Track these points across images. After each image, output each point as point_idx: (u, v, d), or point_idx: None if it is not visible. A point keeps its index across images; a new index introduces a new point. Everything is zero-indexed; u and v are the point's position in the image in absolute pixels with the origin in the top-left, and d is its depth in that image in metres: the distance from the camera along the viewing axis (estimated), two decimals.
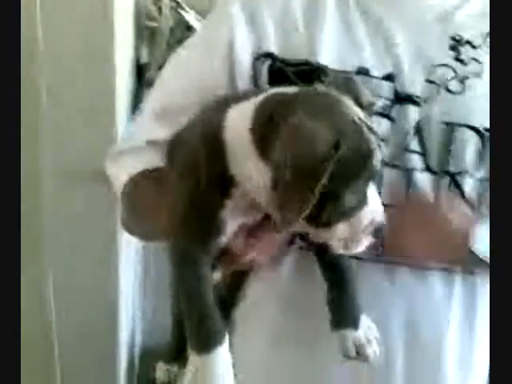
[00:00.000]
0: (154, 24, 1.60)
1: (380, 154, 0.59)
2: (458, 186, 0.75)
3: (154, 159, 0.78)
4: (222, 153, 0.59)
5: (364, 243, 0.61)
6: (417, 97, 0.75)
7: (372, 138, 0.57)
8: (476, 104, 0.75)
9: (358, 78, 0.71)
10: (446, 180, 0.74)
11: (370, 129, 0.58)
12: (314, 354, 0.77)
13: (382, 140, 0.68)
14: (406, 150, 0.74)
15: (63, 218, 1.49)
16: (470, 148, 0.75)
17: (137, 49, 1.63)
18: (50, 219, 1.49)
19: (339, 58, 0.75)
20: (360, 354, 0.68)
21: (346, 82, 0.66)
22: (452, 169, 0.74)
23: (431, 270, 0.76)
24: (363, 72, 0.74)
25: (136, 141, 0.82)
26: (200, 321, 0.64)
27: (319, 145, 0.54)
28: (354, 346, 0.68)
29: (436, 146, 0.74)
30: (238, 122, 0.59)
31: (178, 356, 0.81)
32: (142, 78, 1.65)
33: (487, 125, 0.74)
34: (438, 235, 0.74)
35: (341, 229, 0.60)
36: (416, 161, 0.74)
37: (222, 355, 0.63)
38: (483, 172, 0.75)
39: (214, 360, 0.63)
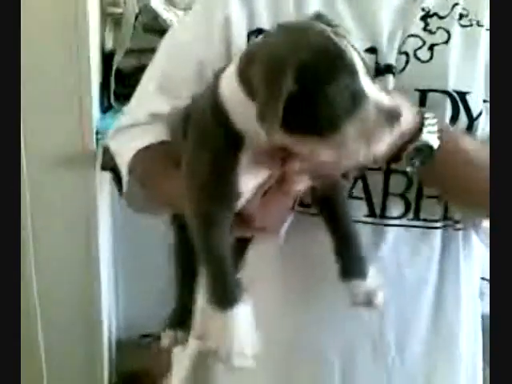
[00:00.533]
0: (118, 10, 1.59)
1: (355, 51, 0.60)
2: None
3: (159, 132, 0.82)
4: (224, 114, 0.63)
5: (385, 135, 0.61)
6: (393, 66, 0.80)
7: (343, 41, 0.59)
8: (444, 69, 0.81)
9: None
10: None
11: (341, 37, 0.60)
12: (322, 303, 0.82)
13: None
14: None
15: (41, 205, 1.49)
16: (442, 111, 0.79)
17: (101, 36, 1.62)
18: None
19: None
20: (368, 301, 0.73)
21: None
22: None
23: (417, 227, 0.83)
24: None
25: (139, 114, 0.85)
26: (224, 278, 0.67)
27: (279, 51, 0.57)
28: (364, 294, 0.73)
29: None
30: (228, 80, 0.63)
31: (182, 322, 0.84)
32: (108, 64, 1.64)
33: (458, 88, 0.79)
34: None
35: (350, 130, 0.59)
36: None
37: (246, 310, 0.67)
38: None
39: (238, 315, 0.66)
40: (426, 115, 0.74)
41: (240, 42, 0.81)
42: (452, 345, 0.88)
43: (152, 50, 1.54)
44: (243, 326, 0.67)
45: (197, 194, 0.67)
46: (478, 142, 0.79)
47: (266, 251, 0.83)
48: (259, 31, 0.81)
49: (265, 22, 0.82)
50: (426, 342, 0.87)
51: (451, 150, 0.74)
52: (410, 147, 0.72)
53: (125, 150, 0.86)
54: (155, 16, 1.58)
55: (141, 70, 1.52)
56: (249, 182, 0.67)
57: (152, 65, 0.90)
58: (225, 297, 0.67)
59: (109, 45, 1.63)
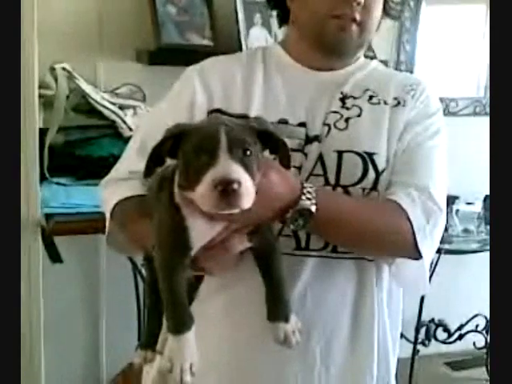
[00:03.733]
0: (50, 92, 1.71)
1: (224, 138, 0.76)
2: (348, 194, 0.96)
3: (136, 187, 1.00)
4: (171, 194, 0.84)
5: (215, 198, 0.74)
6: (319, 136, 0.97)
7: (216, 132, 0.77)
8: (356, 136, 0.97)
9: (283, 126, 0.98)
10: (340, 191, 0.96)
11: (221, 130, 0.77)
12: (257, 328, 0.95)
13: (299, 168, 0.96)
14: (312, 174, 0.96)
15: None
16: (355, 167, 0.96)
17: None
18: None
19: (266, 112, 0.98)
20: (288, 342, 0.88)
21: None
22: (344, 182, 0.96)
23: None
24: (283, 122, 0.99)
25: (122, 172, 1.05)
26: (177, 310, 0.84)
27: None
28: (284, 335, 0.87)
29: (332, 168, 0.96)
30: None
31: (152, 344, 1.00)
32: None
33: (366, 149, 0.96)
34: None
35: (198, 188, 0.76)
36: (319, 180, 0.95)
37: (192, 336, 0.84)
38: (366, 183, 0.96)
39: (186, 339, 0.83)
40: (305, 184, 0.88)
41: (200, 118, 1.00)
42: (368, 356, 1.03)
43: (80, 128, 1.75)
44: (191, 348, 0.84)
45: (158, 245, 0.85)
46: (351, 204, 0.94)
47: (214, 287, 0.99)
48: (215, 110, 1.01)
49: (220, 104, 1.02)
50: (347, 354, 1.01)
51: (324, 213, 0.87)
52: (291, 211, 0.85)
53: (109, 200, 1.03)
54: (83, 96, 1.76)
55: (70, 145, 1.71)
56: (202, 236, 0.83)
57: (135, 132, 1.15)
58: (179, 324, 0.84)
59: (40, 124, 1.72)
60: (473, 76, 2.66)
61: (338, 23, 0.99)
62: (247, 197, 0.75)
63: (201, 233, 0.82)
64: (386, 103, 1.02)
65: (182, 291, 0.83)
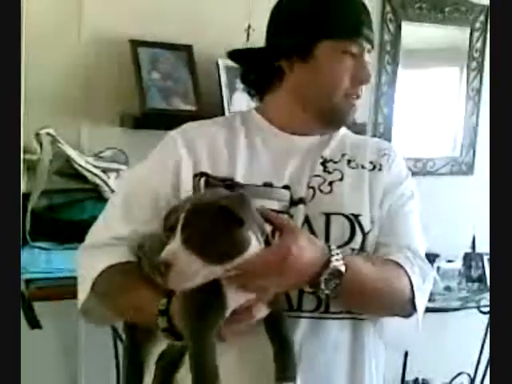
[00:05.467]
0: (33, 157, 1.72)
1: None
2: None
3: (123, 253, 0.98)
4: None
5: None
6: (304, 198, 1.00)
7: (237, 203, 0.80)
8: (341, 199, 1.01)
9: (268, 189, 1.00)
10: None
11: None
12: None
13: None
14: None
15: None
16: (343, 229, 0.99)
17: None
18: None
19: (251, 175, 1.01)
20: None
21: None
22: (333, 243, 0.96)
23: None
24: (268, 185, 1.01)
25: (104, 237, 1.02)
26: (211, 375, 0.81)
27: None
28: None
29: (321, 230, 0.99)
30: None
31: None
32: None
33: (352, 211, 1.00)
34: None
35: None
36: None
37: None
38: (355, 244, 1.00)
39: None
40: (332, 247, 0.90)
41: (186, 183, 1.02)
42: None
43: (63, 191, 1.76)
44: None
45: (194, 309, 0.84)
46: (369, 265, 0.96)
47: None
48: (201, 174, 1.02)
49: (206, 167, 1.03)
50: None
51: (351, 274, 0.90)
52: (324, 273, 0.87)
53: (89, 270, 0.99)
54: (67, 160, 1.78)
55: (52, 209, 1.72)
56: (236, 300, 0.85)
57: (116, 195, 1.10)
58: None
59: (23, 188, 1.73)
60: (449, 136, 2.75)
61: (351, 102, 1.06)
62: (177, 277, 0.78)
63: (235, 295, 0.84)
64: (363, 167, 1.06)
65: (215, 358, 0.81)
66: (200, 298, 0.82)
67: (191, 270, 0.77)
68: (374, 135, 2.52)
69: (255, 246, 0.82)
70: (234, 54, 1.15)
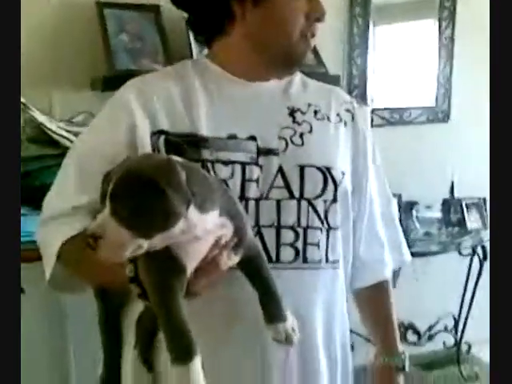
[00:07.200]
0: None
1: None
2: (313, 206, 0.99)
3: (82, 223, 0.91)
4: None
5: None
6: (275, 149, 0.98)
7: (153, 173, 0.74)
8: (314, 151, 1.00)
9: (233, 141, 0.96)
10: (305, 203, 0.98)
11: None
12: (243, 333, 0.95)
13: (256, 181, 0.95)
14: (273, 186, 0.98)
15: None
16: (316, 181, 0.99)
17: None
18: None
19: (213, 128, 0.97)
20: (289, 339, 0.89)
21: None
22: (307, 195, 0.98)
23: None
24: (232, 137, 0.98)
25: (62, 208, 0.96)
26: (184, 336, 0.78)
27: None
28: (285, 334, 0.88)
29: (295, 181, 0.98)
30: None
31: (112, 382, 0.99)
32: None
33: (324, 164, 1.00)
34: None
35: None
36: (282, 192, 0.98)
37: (199, 363, 0.78)
38: (327, 196, 1.00)
39: (195, 366, 0.77)
40: None
41: (145, 143, 0.95)
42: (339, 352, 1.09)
43: (36, 158, 1.76)
44: (199, 376, 0.77)
45: (153, 273, 0.81)
46: None
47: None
48: (160, 132, 0.96)
49: (164, 125, 0.97)
50: (320, 356, 1.04)
51: None
52: None
53: (53, 240, 0.95)
54: (39, 127, 1.77)
55: (27, 175, 1.72)
56: (192, 257, 0.82)
57: (68, 163, 1.02)
58: (187, 351, 0.77)
59: None
60: (424, 86, 2.76)
61: (308, 41, 1.03)
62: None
63: (190, 254, 0.81)
64: (329, 119, 1.06)
65: (184, 314, 0.79)
66: (156, 264, 0.80)
67: (120, 243, 0.74)
68: (349, 87, 2.53)
69: (184, 217, 0.77)
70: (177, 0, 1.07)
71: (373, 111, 2.53)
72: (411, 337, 2.76)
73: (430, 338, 2.77)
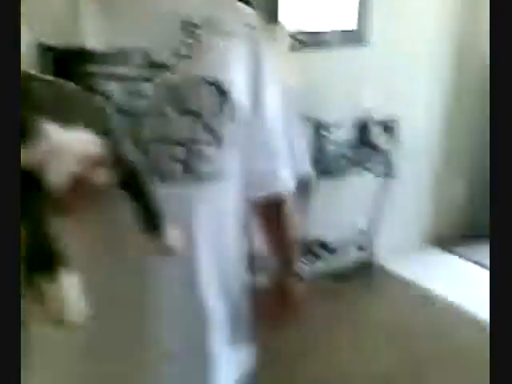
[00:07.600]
0: None
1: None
2: (203, 120, 0.97)
3: None
4: None
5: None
6: (165, 63, 0.95)
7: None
8: (205, 64, 0.98)
9: (121, 54, 0.91)
10: (194, 118, 0.96)
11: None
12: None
13: (144, 96, 0.92)
14: (161, 100, 0.94)
15: None
16: (207, 94, 0.96)
17: None
18: None
19: (103, 41, 0.90)
20: (168, 251, 0.88)
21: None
22: (197, 109, 0.96)
23: None
24: (121, 49, 0.92)
25: None
26: (41, 246, 0.72)
27: None
28: (167, 243, 0.87)
29: (185, 95, 0.95)
30: None
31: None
32: None
33: (217, 77, 0.97)
34: None
35: None
36: (171, 107, 0.94)
37: (70, 278, 0.72)
38: (218, 109, 0.98)
39: (64, 280, 0.72)
40: None
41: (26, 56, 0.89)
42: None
43: None
44: (73, 289, 0.73)
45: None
46: None
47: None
48: (41, 46, 0.90)
49: (44, 36, 0.90)
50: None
51: None
52: None
53: None
54: None
55: None
56: (56, 174, 0.76)
57: None
58: (46, 261, 0.72)
59: None
60: (343, 9, 2.76)
61: None
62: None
63: (53, 170, 0.77)
64: (225, 33, 1.03)
65: (46, 228, 0.74)
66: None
67: None
68: (259, 9, 2.48)
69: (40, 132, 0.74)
70: None
71: (293, 35, 2.53)
72: (323, 253, 2.93)
73: (342, 252, 2.95)
